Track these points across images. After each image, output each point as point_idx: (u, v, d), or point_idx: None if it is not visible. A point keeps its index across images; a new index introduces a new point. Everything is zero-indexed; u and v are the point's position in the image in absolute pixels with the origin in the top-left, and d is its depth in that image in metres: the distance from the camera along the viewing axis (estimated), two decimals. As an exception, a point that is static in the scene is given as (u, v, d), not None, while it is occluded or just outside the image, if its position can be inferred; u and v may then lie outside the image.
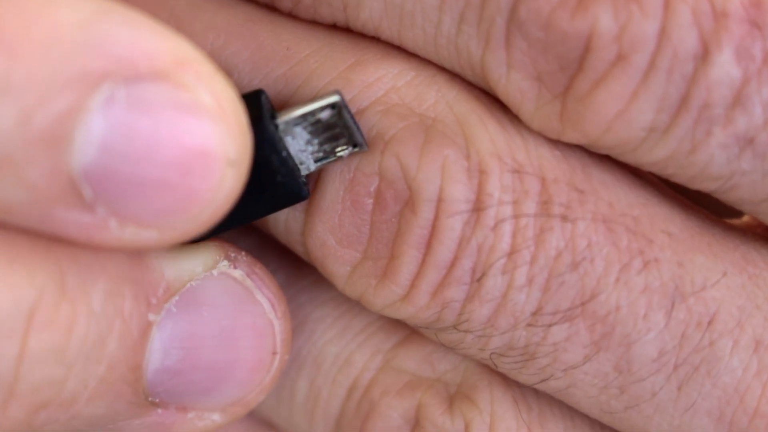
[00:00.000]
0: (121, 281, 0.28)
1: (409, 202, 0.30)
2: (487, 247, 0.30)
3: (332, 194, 0.31)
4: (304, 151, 0.31)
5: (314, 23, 0.32)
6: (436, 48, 0.31)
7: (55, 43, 0.26)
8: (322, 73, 0.31)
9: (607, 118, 0.29)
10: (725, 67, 0.28)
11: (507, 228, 0.30)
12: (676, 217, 0.31)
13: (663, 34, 0.28)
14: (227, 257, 0.30)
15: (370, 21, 0.31)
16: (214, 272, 0.30)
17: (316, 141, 0.31)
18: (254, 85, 0.32)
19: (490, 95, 0.31)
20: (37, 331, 0.27)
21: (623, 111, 0.29)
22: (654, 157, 0.30)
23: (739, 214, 0.33)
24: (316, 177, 0.32)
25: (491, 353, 0.31)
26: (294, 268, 0.36)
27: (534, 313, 0.30)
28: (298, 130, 0.30)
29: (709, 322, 0.30)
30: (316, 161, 0.31)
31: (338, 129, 0.30)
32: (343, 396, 0.34)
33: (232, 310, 0.30)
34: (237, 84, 0.32)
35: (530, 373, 0.31)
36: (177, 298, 0.29)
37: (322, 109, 0.30)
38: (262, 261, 0.36)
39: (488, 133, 0.30)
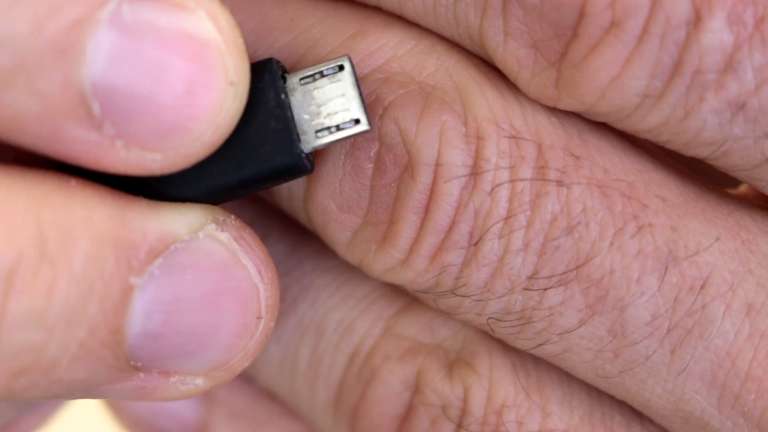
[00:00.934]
0: (103, 243, 0.28)
1: (408, 167, 0.31)
2: (484, 212, 0.31)
3: (333, 159, 0.32)
4: (308, 118, 0.31)
5: None
6: (435, 17, 0.32)
7: None
8: (325, 42, 0.32)
9: (602, 84, 0.30)
10: (717, 33, 0.29)
11: (504, 192, 0.31)
12: (671, 183, 0.32)
13: (656, 0, 0.29)
14: (214, 220, 0.30)
15: None
16: (200, 234, 0.30)
17: (321, 108, 0.31)
18: (259, 54, 0.33)
19: (489, 64, 0.32)
20: (16, 295, 0.27)
21: (617, 77, 0.30)
22: (648, 123, 0.31)
23: (736, 184, 0.34)
24: None
25: (488, 318, 0.32)
26: (297, 237, 0.36)
27: (530, 277, 0.31)
28: (306, 89, 0.31)
29: (702, 286, 0.31)
30: (317, 132, 0.31)
31: (344, 98, 0.31)
32: (344, 362, 0.35)
33: (217, 274, 0.30)
34: None
35: (527, 338, 0.32)
36: (160, 260, 0.29)
37: (331, 69, 0.31)
38: (266, 229, 0.37)
39: (486, 100, 0.31)
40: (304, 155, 0.31)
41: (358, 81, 0.31)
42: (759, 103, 0.30)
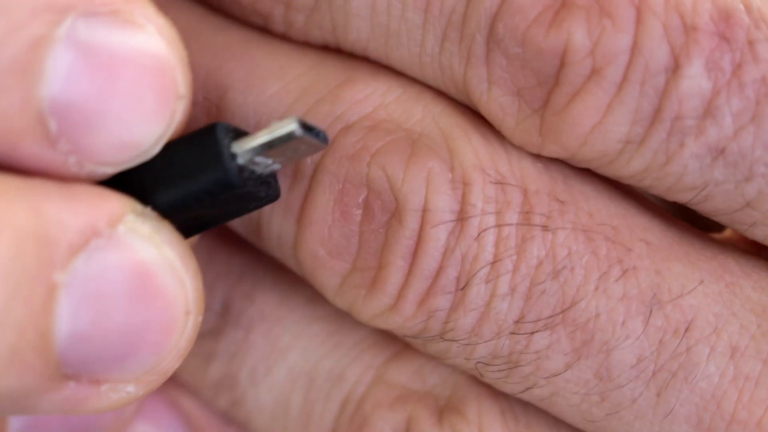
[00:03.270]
0: (23, 240, 0.28)
1: (396, 213, 0.32)
2: (471, 257, 0.32)
3: (322, 205, 0.33)
4: (265, 167, 0.32)
5: (306, 45, 0.34)
6: (421, 66, 0.33)
7: None
8: (314, 91, 0.33)
9: (584, 131, 0.31)
10: (696, 80, 0.30)
11: (490, 237, 0.32)
12: (655, 227, 0.33)
13: (635, 47, 0.30)
14: (134, 210, 0.30)
15: (358, 41, 0.33)
16: (121, 228, 0.29)
17: (275, 159, 0.32)
18: (249, 102, 0.34)
19: (475, 112, 0.33)
20: None
21: (599, 123, 0.31)
22: (631, 169, 0.32)
23: (721, 228, 0.35)
24: (306, 190, 0.34)
25: (476, 362, 0.33)
26: (288, 287, 0.37)
27: (516, 321, 0.32)
28: (260, 158, 0.31)
29: (686, 329, 0.32)
30: (280, 166, 0.32)
31: (298, 146, 0.31)
32: (336, 410, 0.36)
33: (141, 268, 0.29)
34: (232, 102, 0.34)
35: (514, 382, 0.33)
36: (83, 257, 0.29)
37: (280, 136, 0.31)
38: (257, 280, 0.38)
39: (472, 146, 0.32)
40: (232, 160, 0.31)
41: (309, 126, 0.31)
42: (738, 148, 0.31)
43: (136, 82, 0.29)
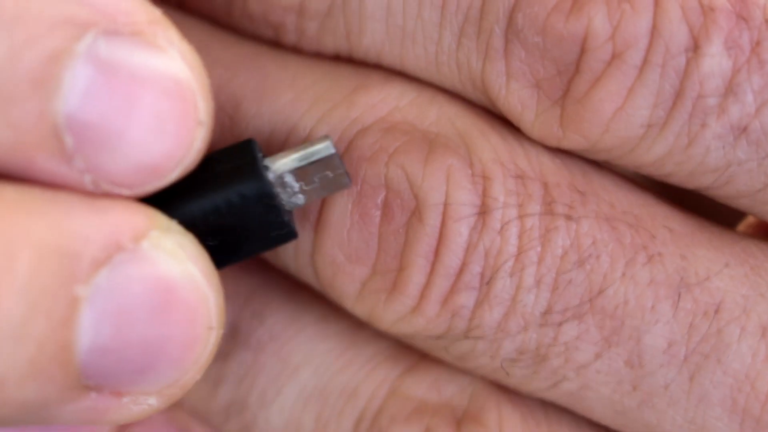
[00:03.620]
0: (45, 254, 0.28)
1: (416, 211, 0.32)
2: (495, 250, 0.32)
3: (341, 209, 0.33)
4: (291, 193, 0.32)
5: (318, 55, 0.35)
6: (437, 66, 0.33)
7: None
8: (328, 98, 0.33)
9: (606, 117, 0.31)
10: (716, 59, 0.31)
11: (513, 230, 0.32)
12: (676, 215, 0.33)
13: (654, 30, 0.31)
14: (158, 226, 0.30)
15: (373, 46, 0.34)
16: (145, 243, 0.29)
17: (303, 184, 0.32)
18: (263, 113, 0.34)
19: (491, 113, 0.34)
20: None
21: (621, 109, 0.31)
22: (652, 155, 0.32)
23: (733, 224, 0.35)
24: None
25: (503, 360, 0.33)
26: (298, 305, 0.37)
27: (544, 313, 0.32)
28: (289, 178, 0.32)
29: (716, 311, 0.32)
30: (303, 195, 0.32)
31: (328, 173, 0.32)
32: (350, 428, 0.35)
33: (164, 284, 0.29)
34: (246, 112, 0.34)
35: (542, 378, 0.33)
36: (106, 271, 0.29)
37: (315, 158, 0.32)
38: (267, 299, 0.37)
39: (490, 143, 0.33)
40: (270, 180, 0.31)
41: (339, 156, 0.32)
42: (761, 125, 0.31)
43: (156, 105, 0.29)
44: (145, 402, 0.30)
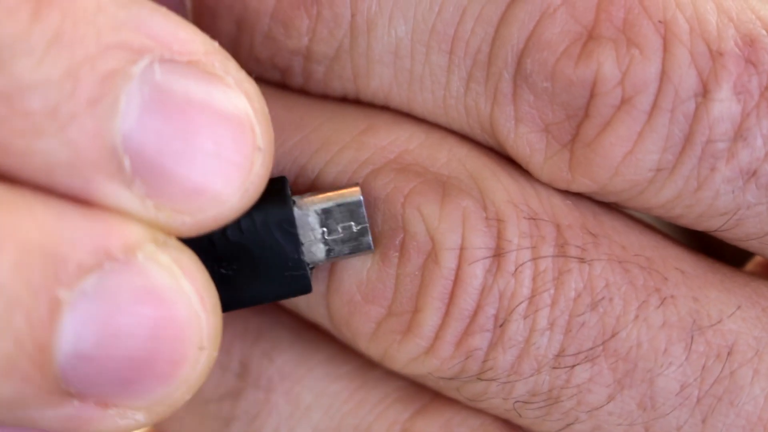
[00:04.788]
0: (29, 252, 0.28)
1: (432, 253, 0.33)
2: (509, 293, 0.32)
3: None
4: (312, 239, 0.33)
5: (325, 97, 0.35)
6: (445, 109, 0.34)
7: (100, 12, 0.28)
8: (337, 139, 0.34)
9: (615, 161, 0.32)
10: (725, 103, 0.31)
11: (527, 272, 0.32)
12: (687, 257, 0.33)
13: (664, 75, 0.31)
14: (154, 240, 0.30)
15: (380, 89, 0.34)
16: (139, 255, 0.29)
17: (327, 231, 0.33)
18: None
19: (500, 154, 0.34)
20: None
21: (630, 153, 0.32)
22: (661, 198, 0.32)
23: (741, 263, 0.36)
24: None
25: (515, 402, 0.33)
26: (307, 344, 0.37)
27: (557, 356, 0.32)
28: (313, 218, 0.32)
29: (729, 353, 0.32)
30: (324, 247, 0.33)
31: (351, 224, 0.33)
32: None
33: (156, 299, 0.29)
34: None
35: (555, 419, 0.33)
36: (94, 279, 0.29)
37: (341, 201, 0.32)
38: (276, 339, 0.38)
39: (502, 184, 0.33)
40: (308, 270, 0.32)
41: (365, 212, 0.32)
42: None
43: (212, 130, 0.29)
44: (132, 417, 0.30)
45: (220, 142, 0.29)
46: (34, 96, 0.28)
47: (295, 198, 0.32)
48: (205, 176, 0.29)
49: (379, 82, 0.34)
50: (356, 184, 0.32)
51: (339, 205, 0.32)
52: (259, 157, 0.29)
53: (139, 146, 0.28)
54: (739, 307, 0.33)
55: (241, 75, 0.30)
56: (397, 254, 0.33)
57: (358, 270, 0.33)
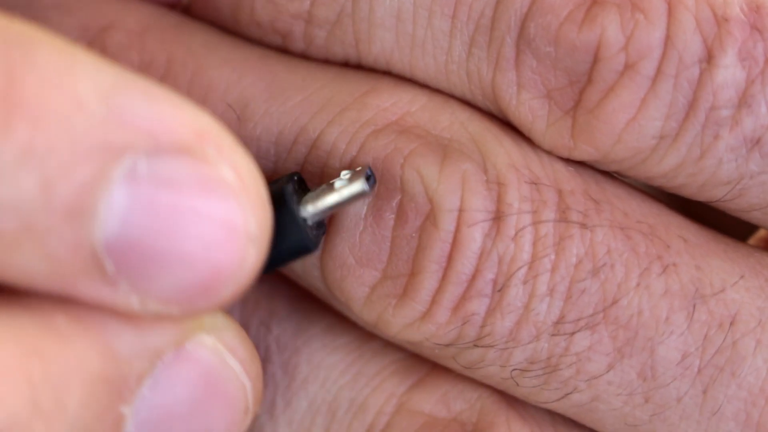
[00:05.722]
0: (95, 384, 0.28)
1: (430, 215, 0.32)
2: (508, 257, 0.32)
3: (354, 211, 0.33)
4: (311, 193, 0.33)
5: (326, 62, 0.35)
6: (446, 75, 0.34)
7: (77, 112, 0.27)
8: (338, 100, 0.34)
9: (618, 128, 0.32)
10: (730, 70, 0.31)
11: (527, 237, 0.32)
12: (689, 225, 0.33)
13: (668, 40, 0.31)
14: (199, 326, 0.30)
15: (382, 54, 0.34)
16: (187, 345, 0.30)
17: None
18: (272, 112, 0.34)
19: (502, 120, 0.34)
20: None
21: (633, 119, 0.32)
22: (664, 166, 0.32)
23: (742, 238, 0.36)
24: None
25: (512, 369, 0.33)
26: (304, 316, 0.37)
27: (556, 323, 0.32)
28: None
29: (731, 323, 0.32)
30: (317, 200, 0.32)
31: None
32: None
33: (205, 379, 0.30)
34: (254, 112, 0.34)
35: (553, 388, 0.33)
36: (149, 381, 0.29)
37: (351, 197, 0.32)
38: (272, 309, 0.37)
39: (504, 148, 0.33)
40: (305, 222, 0.32)
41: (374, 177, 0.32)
42: None
43: (202, 224, 0.27)
44: None
45: (210, 235, 0.28)
46: (6, 216, 0.27)
47: (304, 214, 0.32)
48: (194, 271, 0.28)
49: (380, 47, 0.34)
50: (360, 180, 0.32)
51: (350, 198, 0.32)
52: (252, 247, 0.28)
53: (123, 248, 0.27)
54: (742, 277, 0.33)
55: (236, 155, 0.28)
56: (393, 216, 0.33)
57: (351, 232, 0.33)
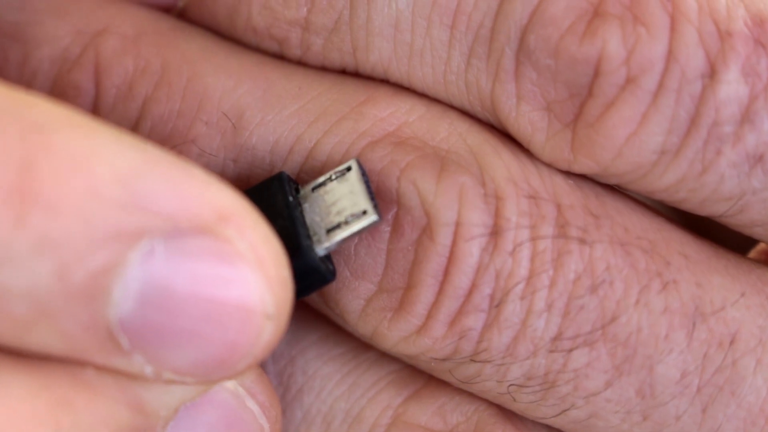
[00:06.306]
0: None
1: (427, 229, 0.32)
2: (506, 273, 0.32)
3: None
4: (318, 221, 0.32)
5: (323, 69, 0.35)
6: (445, 85, 0.33)
7: (94, 199, 0.27)
8: (335, 110, 0.33)
9: (619, 143, 0.32)
10: (733, 85, 0.31)
11: (525, 252, 0.32)
12: (690, 241, 0.33)
13: (670, 55, 0.31)
14: None
15: (380, 63, 0.34)
16: (209, 390, 0.30)
17: (331, 208, 0.32)
18: (267, 121, 0.34)
19: (501, 131, 0.34)
20: None
21: (634, 134, 0.31)
22: (665, 181, 0.32)
23: (742, 253, 0.35)
24: None
25: (509, 385, 0.33)
26: (299, 324, 0.37)
27: (554, 339, 0.32)
28: (318, 195, 0.32)
29: (731, 342, 0.32)
30: (328, 232, 0.32)
31: (352, 194, 0.32)
32: None
33: (225, 422, 0.30)
34: (250, 121, 0.34)
35: (550, 404, 0.33)
36: (172, 422, 0.30)
37: (339, 172, 0.32)
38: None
39: (502, 161, 0.33)
40: (318, 257, 0.32)
41: (367, 179, 0.32)
42: None
43: (218, 305, 0.28)
44: None
45: (225, 325, 0.28)
46: (20, 301, 0.27)
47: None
48: (208, 348, 0.28)
49: (378, 56, 0.34)
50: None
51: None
52: (269, 325, 0.28)
53: (138, 327, 0.27)
54: (743, 294, 0.32)
55: (258, 234, 0.28)
56: (388, 228, 0.32)
57: (345, 245, 0.33)
